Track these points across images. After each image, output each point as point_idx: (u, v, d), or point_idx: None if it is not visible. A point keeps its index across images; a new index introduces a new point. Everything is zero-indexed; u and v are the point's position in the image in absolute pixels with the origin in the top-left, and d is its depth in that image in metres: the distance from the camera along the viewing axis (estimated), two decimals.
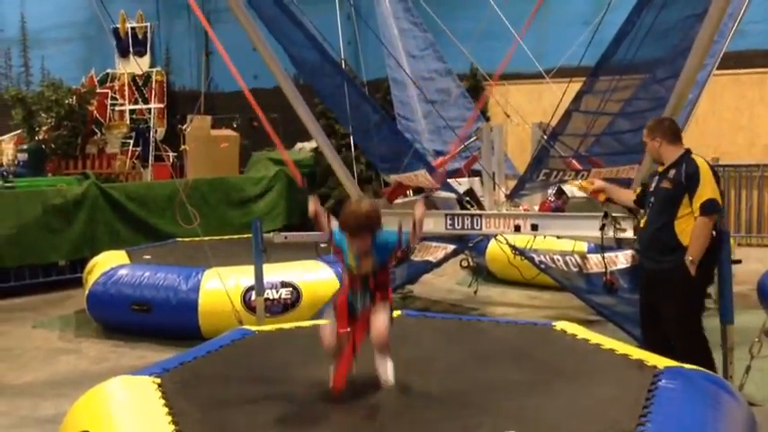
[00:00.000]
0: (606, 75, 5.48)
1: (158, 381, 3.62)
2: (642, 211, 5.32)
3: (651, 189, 4.83)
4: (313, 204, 3.48)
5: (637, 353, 3.98)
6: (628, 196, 5.37)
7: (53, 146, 13.38)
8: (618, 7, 5.88)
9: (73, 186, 9.88)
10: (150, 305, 6.80)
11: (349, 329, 3.44)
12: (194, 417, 3.20)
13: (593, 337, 4.32)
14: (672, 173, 4.68)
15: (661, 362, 3.76)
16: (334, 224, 3.49)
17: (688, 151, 4.77)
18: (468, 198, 6.37)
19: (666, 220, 4.64)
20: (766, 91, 12.02)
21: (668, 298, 4.65)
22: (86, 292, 7.24)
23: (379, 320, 3.37)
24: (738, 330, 4.93)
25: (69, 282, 9.15)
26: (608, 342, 4.19)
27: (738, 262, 5.27)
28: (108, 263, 7.43)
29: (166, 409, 3.24)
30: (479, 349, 4.24)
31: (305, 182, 4.42)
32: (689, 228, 4.57)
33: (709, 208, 4.52)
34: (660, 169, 4.84)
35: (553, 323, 4.66)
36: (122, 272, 7.13)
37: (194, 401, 3.39)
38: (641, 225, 4.82)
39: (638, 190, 5.21)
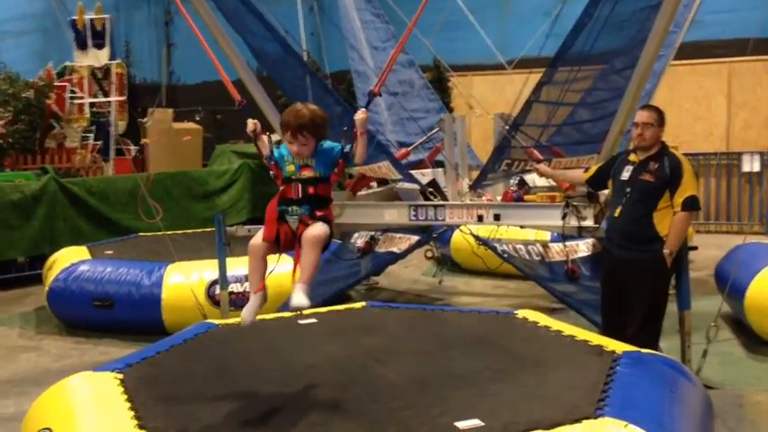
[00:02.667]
0: (565, 65, 5.53)
1: (120, 376, 3.60)
2: (604, 195, 5.39)
3: (624, 178, 4.84)
4: (252, 123, 3.36)
5: (596, 339, 4.06)
6: (576, 176, 5.44)
7: (10, 140, 13.07)
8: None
9: (31, 181, 9.69)
10: (113, 301, 6.72)
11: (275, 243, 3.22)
12: (157, 411, 3.19)
13: (554, 324, 4.40)
14: (653, 165, 4.71)
15: (620, 347, 3.84)
16: (272, 144, 3.37)
17: (665, 144, 4.84)
18: (431, 189, 6.40)
19: (645, 211, 4.69)
20: (724, 81, 12.25)
21: (640, 286, 4.71)
22: (46, 288, 7.12)
23: (315, 227, 3.16)
24: (696, 315, 5.06)
25: (28, 279, 8.99)
26: (568, 329, 4.27)
27: (695, 248, 5.38)
28: (68, 259, 7.32)
29: (129, 405, 3.23)
30: (442, 338, 4.29)
31: (243, 101, 4.23)
32: (666, 220, 4.65)
33: (691, 204, 4.63)
34: (633, 158, 4.86)
35: (515, 311, 4.73)
36: (83, 267, 7.03)
37: (157, 396, 3.38)
38: (615, 215, 4.85)
39: (593, 171, 5.24)
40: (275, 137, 12.82)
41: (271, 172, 3.38)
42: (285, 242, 3.26)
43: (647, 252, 4.68)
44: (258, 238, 3.25)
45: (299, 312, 4.78)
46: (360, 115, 3.30)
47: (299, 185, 3.20)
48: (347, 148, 3.25)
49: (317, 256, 3.15)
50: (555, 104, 5.71)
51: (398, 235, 7.20)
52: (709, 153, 12.13)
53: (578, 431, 2.80)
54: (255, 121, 3.38)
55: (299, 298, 3.11)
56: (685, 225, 4.70)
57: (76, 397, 3.44)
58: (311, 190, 3.21)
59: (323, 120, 3.21)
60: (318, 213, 3.23)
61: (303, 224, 3.21)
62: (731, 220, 12.13)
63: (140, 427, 2.98)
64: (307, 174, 3.21)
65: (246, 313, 3.26)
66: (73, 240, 8.75)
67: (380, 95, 4.99)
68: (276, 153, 3.30)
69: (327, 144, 3.26)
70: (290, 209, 3.24)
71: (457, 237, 8.48)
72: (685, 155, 4.95)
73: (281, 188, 3.27)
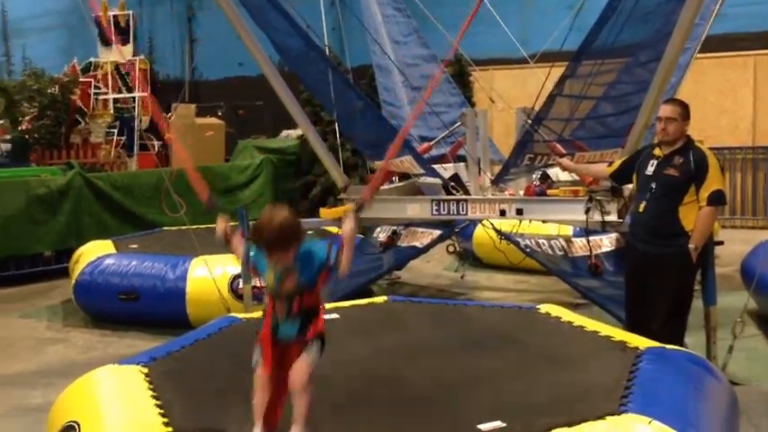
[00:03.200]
0: (589, 59, 5.50)
1: (145, 370, 3.64)
2: (628, 189, 5.35)
3: (648, 173, 4.79)
4: (222, 223, 3.12)
5: (619, 334, 4.03)
6: (599, 170, 5.41)
7: (36, 136, 13.24)
8: None
9: (57, 176, 9.81)
10: (138, 294, 6.79)
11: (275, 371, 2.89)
12: (181, 405, 3.22)
13: (577, 319, 4.38)
14: (678, 160, 4.66)
15: (643, 343, 3.81)
16: (248, 243, 3.08)
17: (690, 138, 4.79)
18: (453, 183, 6.39)
19: (670, 206, 4.64)
20: (750, 74, 12.09)
21: (665, 281, 4.66)
22: (73, 281, 7.21)
23: (300, 365, 2.83)
24: (721, 311, 5.01)
25: (55, 272, 9.10)
26: (591, 324, 4.25)
27: (721, 243, 5.32)
28: (94, 252, 7.40)
29: (153, 398, 3.26)
30: (465, 334, 4.29)
31: (212, 197, 3.82)
32: (691, 215, 4.60)
33: (717, 199, 4.58)
34: (658, 152, 4.81)
35: (538, 306, 4.71)
36: (109, 261, 7.11)
37: (181, 390, 3.41)
38: (639, 210, 4.81)
39: (617, 165, 5.20)
40: (294, 132, 12.85)
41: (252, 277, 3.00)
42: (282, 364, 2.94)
43: (672, 247, 4.64)
44: (256, 377, 2.92)
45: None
46: (348, 225, 2.99)
47: (284, 303, 2.88)
48: (332, 257, 2.90)
49: (308, 400, 2.82)
50: (578, 98, 5.67)
51: (420, 229, 7.20)
52: (735, 147, 11.98)
53: (602, 427, 2.78)
54: (226, 220, 3.15)
55: None
56: (711, 220, 4.65)
57: (102, 390, 3.48)
58: (296, 306, 2.87)
59: (293, 228, 2.83)
60: (309, 334, 2.89)
61: (294, 350, 2.90)
62: (757, 215, 11.97)
63: (165, 421, 3.01)
64: (289, 287, 2.86)
65: None
66: (98, 234, 8.85)
67: (370, 200, 4.27)
68: (253, 254, 3.00)
69: (312, 249, 2.90)
70: (279, 331, 2.92)
71: (479, 231, 8.46)
72: (711, 149, 4.89)
73: (269, 305, 2.96)
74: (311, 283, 2.90)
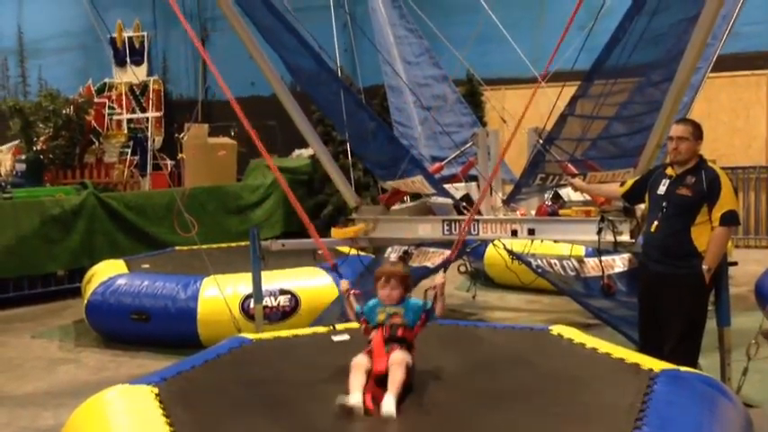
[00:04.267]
0: (600, 79, 5.49)
1: (156, 390, 3.63)
2: (640, 209, 5.32)
3: (661, 192, 4.77)
4: (345, 284, 4.06)
5: (633, 356, 3.99)
6: (611, 190, 5.39)
7: (51, 156, 13.38)
8: (613, 12, 5.89)
9: (71, 196, 9.89)
10: (149, 314, 6.80)
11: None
12: (192, 425, 3.21)
13: (589, 341, 4.34)
14: (690, 180, 4.63)
15: (657, 365, 3.77)
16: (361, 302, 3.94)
17: (703, 158, 4.77)
18: (464, 203, 6.38)
19: (682, 226, 4.61)
20: (763, 93, 12.06)
21: (678, 302, 4.62)
22: (85, 301, 7.24)
23: (400, 352, 3.61)
24: (736, 332, 4.95)
25: (68, 292, 9.16)
26: (604, 346, 4.21)
27: (735, 264, 5.28)
28: (106, 272, 7.43)
29: (164, 419, 3.25)
30: (476, 355, 4.26)
31: (337, 263, 5.32)
32: (704, 235, 4.57)
33: (730, 219, 4.54)
34: (670, 172, 4.79)
35: (550, 327, 4.67)
36: (121, 281, 7.14)
37: (192, 410, 3.40)
38: (651, 230, 4.78)
39: (629, 185, 5.18)
40: (306, 151, 12.89)
41: (361, 326, 3.90)
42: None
43: (685, 267, 4.60)
44: (358, 358, 3.62)
45: (331, 328, 4.81)
46: (440, 280, 3.91)
47: (389, 327, 3.72)
48: (429, 305, 3.82)
49: (404, 376, 3.50)
50: (590, 118, 5.66)
51: (432, 249, 7.18)
52: (748, 166, 11.91)
53: None
54: (347, 282, 4.08)
55: (389, 406, 3.32)
56: (724, 240, 4.62)
57: (113, 410, 3.47)
58: (399, 332, 3.72)
59: (409, 277, 3.88)
60: (405, 347, 3.70)
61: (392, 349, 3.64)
62: None
63: None
64: (397, 321, 3.74)
65: (347, 399, 3.40)
66: (111, 254, 8.90)
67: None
68: (366, 308, 3.87)
69: (413, 300, 3.85)
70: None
71: (491, 251, 8.43)
72: (723, 168, 4.86)
73: (376, 335, 3.71)
74: (412, 323, 3.78)
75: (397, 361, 3.52)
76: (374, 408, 3.33)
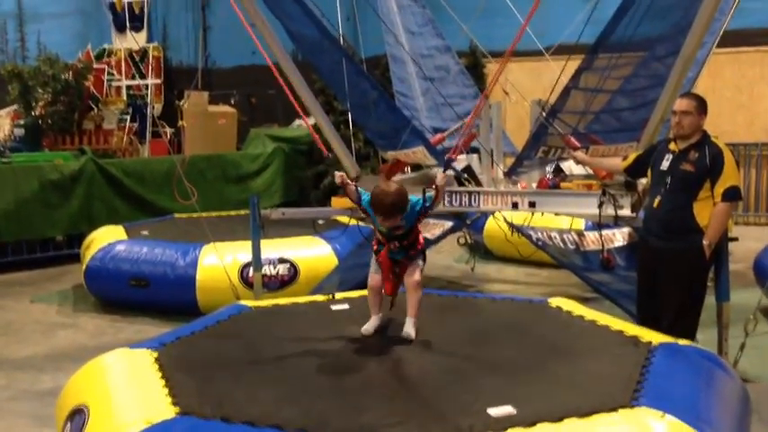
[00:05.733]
0: (606, 52, 5.44)
1: (155, 354, 3.64)
2: (642, 184, 5.30)
3: (663, 168, 4.74)
4: (339, 176, 3.99)
5: (632, 329, 4.01)
6: (614, 164, 5.36)
7: (50, 121, 13.27)
8: None
9: (70, 162, 9.85)
10: (148, 281, 6.81)
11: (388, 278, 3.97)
12: (191, 390, 3.22)
13: (589, 313, 4.35)
14: (693, 155, 4.61)
15: (656, 338, 3.79)
16: (360, 190, 3.98)
17: (707, 133, 4.74)
18: (465, 175, 6.36)
19: (684, 201, 4.60)
20: (766, 70, 11.98)
21: (678, 277, 4.63)
22: (84, 267, 7.24)
23: (411, 273, 3.93)
24: (734, 308, 4.96)
25: (67, 257, 9.16)
26: (603, 318, 4.22)
27: (735, 239, 5.27)
28: (105, 238, 7.43)
29: (163, 382, 3.27)
30: (475, 325, 4.27)
31: (330, 153, 5.22)
32: (706, 210, 4.56)
33: (732, 195, 4.53)
34: (674, 147, 4.76)
35: (549, 300, 4.68)
36: (120, 247, 7.13)
37: (191, 375, 3.41)
38: (653, 205, 4.77)
39: (631, 159, 5.15)
40: (307, 121, 12.86)
41: (363, 215, 4.12)
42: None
43: (686, 242, 4.60)
44: (372, 279, 4.01)
45: (330, 297, 4.82)
46: (441, 181, 3.92)
47: (396, 242, 3.89)
48: (428, 201, 3.87)
49: (420, 295, 3.96)
50: (594, 91, 5.62)
51: (432, 221, 7.17)
52: (751, 143, 11.88)
53: (614, 420, 2.76)
54: (342, 174, 4.04)
55: (409, 328, 3.90)
56: (725, 216, 4.61)
57: (112, 373, 3.49)
58: (405, 242, 3.91)
59: (405, 197, 3.78)
60: (413, 252, 3.96)
61: (401, 265, 3.96)
62: None
63: (175, 403, 3.01)
64: (398, 232, 3.86)
65: (369, 326, 4.03)
66: (110, 220, 8.89)
67: (455, 158, 6.01)
68: (365, 198, 3.92)
69: (410, 203, 3.84)
70: (390, 255, 3.95)
71: (490, 224, 8.43)
72: (726, 145, 4.84)
73: (380, 236, 3.95)
74: (413, 223, 3.90)
75: (412, 285, 3.89)
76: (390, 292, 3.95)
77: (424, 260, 4.06)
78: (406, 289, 3.95)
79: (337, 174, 4.04)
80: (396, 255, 3.92)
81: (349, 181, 3.99)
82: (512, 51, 6.47)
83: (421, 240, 4.03)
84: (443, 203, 6.09)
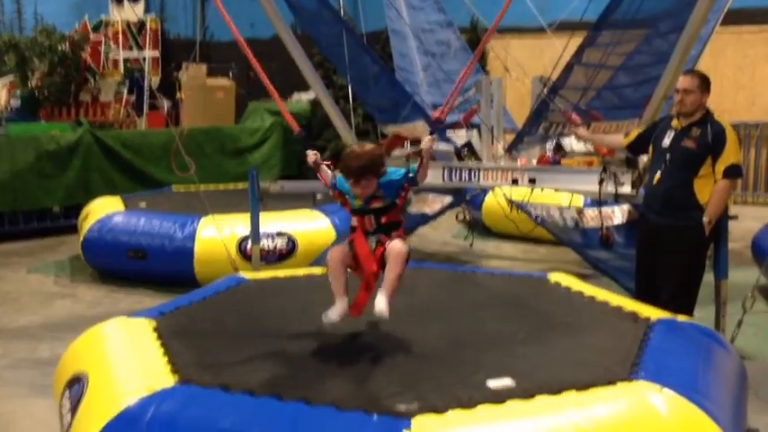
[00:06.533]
0: (609, 28, 5.40)
1: (154, 323, 3.64)
2: (642, 161, 5.29)
3: (665, 145, 4.72)
4: (312, 155, 3.46)
5: (630, 304, 4.02)
6: (616, 140, 5.34)
7: (46, 93, 13.19)
8: None
9: (67, 133, 9.79)
10: (146, 252, 6.79)
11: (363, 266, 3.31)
12: (190, 358, 3.22)
13: (588, 289, 4.36)
14: (695, 132, 4.59)
15: (654, 313, 3.80)
16: (335, 172, 3.44)
17: (709, 111, 4.71)
18: (466, 150, 6.33)
19: (685, 178, 4.58)
20: None
21: (677, 254, 4.63)
22: (81, 238, 7.23)
23: (396, 240, 3.26)
24: (731, 286, 4.97)
25: (63, 228, 9.14)
26: (602, 294, 4.23)
27: (734, 218, 5.27)
28: (103, 209, 7.40)
29: (162, 351, 3.27)
30: (474, 300, 4.28)
31: (302, 130, 4.69)
32: (707, 187, 4.55)
33: (733, 172, 4.52)
34: (676, 124, 4.74)
35: (548, 275, 4.69)
36: (118, 219, 7.11)
37: (190, 344, 3.42)
38: (654, 182, 4.75)
39: (633, 136, 5.13)
40: (306, 95, 12.75)
41: (338, 201, 3.46)
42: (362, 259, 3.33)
43: (686, 219, 4.59)
44: (335, 250, 3.34)
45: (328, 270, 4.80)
46: (426, 144, 3.38)
47: (372, 217, 3.29)
48: (411, 172, 3.29)
49: (401, 272, 3.22)
50: (596, 67, 5.58)
51: (431, 196, 7.15)
52: (751, 123, 11.85)
53: (612, 393, 2.77)
54: (315, 152, 3.50)
55: (381, 304, 3.17)
56: (726, 194, 4.60)
57: (111, 341, 3.50)
58: (384, 219, 3.29)
59: (380, 158, 3.27)
60: (394, 234, 3.30)
61: (380, 244, 3.28)
62: None
63: (174, 372, 3.01)
64: (376, 204, 3.27)
65: (332, 313, 3.30)
66: (107, 192, 8.85)
67: (444, 122, 5.20)
68: (339, 181, 3.35)
69: (391, 173, 3.30)
70: (370, 241, 3.32)
71: (489, 200, 8.42)
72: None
73: (354, 219, 3.34)
74: (394, 200, 3.30)
75: (394, 255, 3.19)
76: (358, 313, 3.30)
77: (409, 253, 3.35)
78: (387, 259, 3.23)
79: (309, 153, 3.48)
80: (372, 239, 3.29)
81: (321, 161, 3.45)
82: (500, 25, 6.40)
83: (402, 231, 3.39)
84: (443, 178, 6.08)
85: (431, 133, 3.88)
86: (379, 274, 3.30)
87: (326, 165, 3.48)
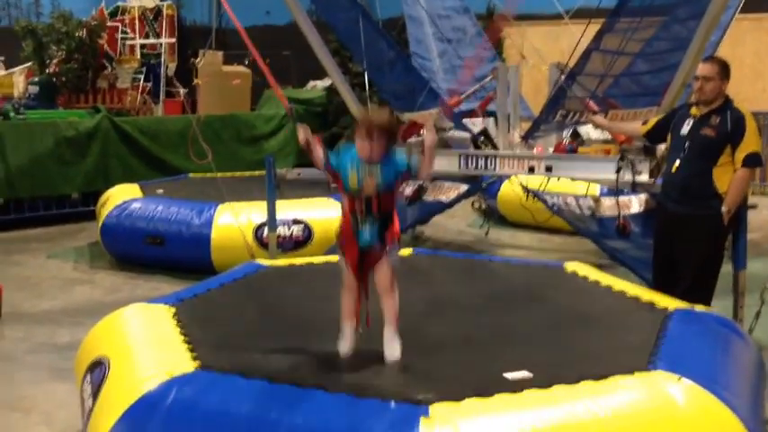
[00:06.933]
0: (628, 15, 5.35)
1: (173, 309, 3.68)
2: (660, 150, 5.26)
3: (684, 132, 4.68)
4: (303, 132, 3.19)
5: (648, 294, 4.01)
6: (633, 128, 5.31)
7: (64, 79, 13.26)
8: None
9: (85, 119, 9.86)
10: (163, 239, 6.84)
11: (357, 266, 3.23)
12: (209, 342, 3.26)
13: (605, 278, 4.35)
14: (715, 120, 4.55)
15: (672, 303, 3.79)
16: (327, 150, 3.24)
17: (729, 99, 4.67)
18: (482, 138, 6.32)
19: (704, 167, 4.54)
20: None
21: (695, 243, 4.60)
22: (100, 224, 7.29)
23: (384, 270, 3.17)
24: (749, 276, 4.94)
25: (82, 214, 9.21)
26: (619, 284, 4.23)
27: (754, 207, 5.23)
28: (121, 196, 7.46)
29: (182, 336, 3.30)
30: (490, 289, 4.28)
31: (293, 110, 4.47)
32: (726, 176, 4.51)
33: (753, 161, 4.48)
34: (695, 112, 4.70)
35: (564, 264, 4.68)
36: (136, 205, 7.16)
37: (209, 330, 3.45)
38: (672, 170, 4.72)
39: (651, 123, 5.09)
40: (321, 83, 12.75)
41: (330, 180, 3.31)
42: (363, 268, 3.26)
43: (705, 208, 4.56)
44: (350, 279, 3.26)
45: None
46: (429, 138, 3.19)
47: (363, 203, 3.13)
48: (414, 162, 3.15)
49: (396, 299, 3.21)
50: (615, 53, 5.54)
51: (447, 184, 7.15)
52: None
53: (630, 383, 2.77)
54: (306, 127, 3.22)
55: (392, 347, 3.17)
56: (745, 182, 4.56)
57: (131, 327, 3.54)
58: (375, 207, 3.13)
59: (396, 125, 3.22)
60: (388, 240, 3.18)
61: (373, 255, 3.19)
62: None
63: (195, 357, 3.05)
64: (370, 187, 3.10)
65: (345, 344, 3.26)
66: (125, 178, 8.92)
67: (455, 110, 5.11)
68: (334, 160, 3.17)
69: (396, 156, 3.16)
70: (360, 238, 3.17)
71: (505, 189, 8.40)
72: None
73: (346, 201, 3.20)
74: (390, 186, 3.14)
75: (384, 289, 3.17)
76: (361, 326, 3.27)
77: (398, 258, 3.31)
78: (378, 290, 3.22)
79: (300, 130, 3.19)
80: (365, 237, 3.15)
81: (313, 138, 3.20)
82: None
83: (397, 224, 3.27)
84: (459, 166, 6.07)
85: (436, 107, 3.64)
86: (367, 284, 3.26)
87: (319, 143, 3.23)
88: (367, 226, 3.15)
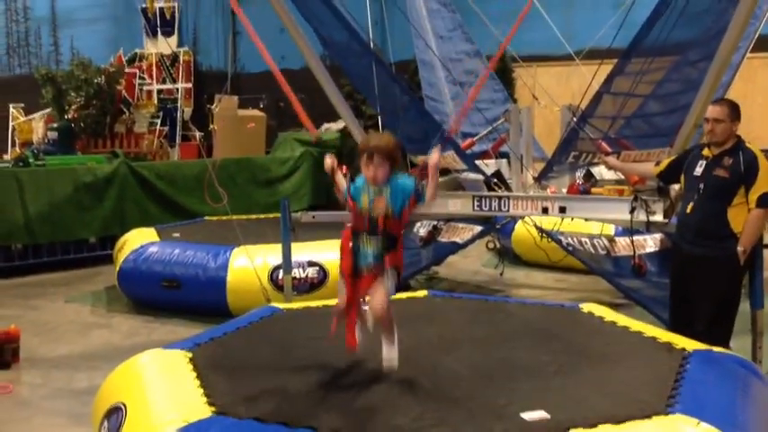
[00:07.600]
0: (639, 56, 5.42)
1: (190, 354, 3.69)
2: (674, 190, 5.26)
3: (697, 174, 4.71)
4: (330, 160, 3.40)
5: (665, 335, 3.98)
6: (646, 169, 5.33)
7: (82, 125, 13.50)
8: None
9: (103, 164, 10.00)
10: (180, 282, 6.88)
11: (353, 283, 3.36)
12: (225, 389, 3.26)
13: (621, 319, 4.33)
14: (728, 161, 4.58)
15: (690, 345, 3.76)
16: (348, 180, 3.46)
17: (741, 139, 4.70)
18: (495, 180, 6.36)
19: (719, 208, 4.56)
20: None
21: (711, 284, 4.59)
22: (117, 268, 7.34)
23: (378, 295, 3.26)
24: (766, 316, 4.90)
25: (99, 258, 9.29)
26: (636, 325, 4.20)
27: None
28: (138, 240, 7.52)
29: (198, 382, 3.31)
30: (506, 330, 4.27)
31: (320, 137, 4.73)
32: (741, 216, 4.52)
33: (767, 201, 4.49)
34: (707, 153, 4.73)
35: (580, 305, 4.67)
36: (152, 249, 7.22)
37: (225, 375, 3.46)
38: (687, 211, 4.73)
39: (664, 164, 5.12)
40: (335, 125, 12.89)
41: (348, 207, 3.42)
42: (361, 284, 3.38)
43: (720, 249, 4.55)
44: (341, 300, 3.43)
45: (361, 300, 4.82)
46: (433, 158, 3.33)
47: (371, 222, 3.26)
48: (421, 186, 3.27)
49: (392, 322, 3.33)
50: (626, 96, 5.60)
51: (461, 225, 7.18)
52: None
53: (649, 427, 2.75)
54: (333, 156, 3.45)
55: (390, 357, 3.36)
56: (760, 222, 4.56)
57: (148, 373, 3.55)
58: (380, 224, 3.25)
59: (396, 148, 3.29)
60: (388, 260, 3.28)
61: (372, 275, 3.28)
62: None
63: (211, 403, 3.05)
64: (379, 208, 3.24)
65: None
66: (142, 222, 8.99)
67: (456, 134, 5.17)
68: (353, 188, 3.36)
69: (402, 179, 3.29)
70: (361, 248, 3.31)
71: (519, 229, 8.40)
72: (761, 150, 4.78)
73: (353, 219, 3.36)
74: (399, 210, 3.26)
75: (379, 317, 3.27)
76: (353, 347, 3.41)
77: (398, 281, 3.40)
78: (374, 319, 3.35)
79: (327, 158, 3.41)
80: (364, 257, 3.27)
81: (336, 165, 3.40)
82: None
83: (401, 252, 3.38)
84: (473, 207, 6.10)
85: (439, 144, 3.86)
86: (359, 304, 3.42)
87: (343, 173, 3.49)
88: (369, 245, 3.27)
